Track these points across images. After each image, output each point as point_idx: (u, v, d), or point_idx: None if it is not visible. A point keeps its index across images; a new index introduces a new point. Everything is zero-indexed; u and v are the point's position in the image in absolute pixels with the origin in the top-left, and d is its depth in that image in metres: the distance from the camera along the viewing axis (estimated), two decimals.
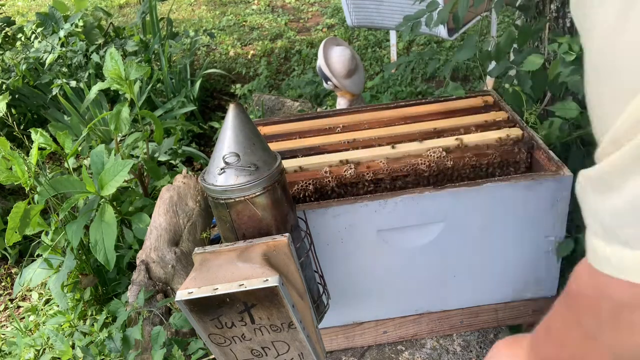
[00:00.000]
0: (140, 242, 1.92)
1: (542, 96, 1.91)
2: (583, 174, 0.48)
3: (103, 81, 2.17)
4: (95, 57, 3.13)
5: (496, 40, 1.77)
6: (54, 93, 2.98)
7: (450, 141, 1.46)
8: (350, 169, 1.41)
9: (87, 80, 3.04)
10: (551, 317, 0.61)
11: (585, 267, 0.51)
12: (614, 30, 0.40)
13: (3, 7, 4.63)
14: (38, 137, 1.96)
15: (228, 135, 1.01)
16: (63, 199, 1.96)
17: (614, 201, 0.44)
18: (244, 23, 4.89)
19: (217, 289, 0.89)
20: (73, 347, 1.69)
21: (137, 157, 2.43)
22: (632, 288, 0.47)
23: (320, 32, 4.49)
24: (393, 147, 1.45)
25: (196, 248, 1.00)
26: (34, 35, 3.58)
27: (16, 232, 1.83)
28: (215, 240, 2.09)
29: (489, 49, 1.74)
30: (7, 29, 3.75)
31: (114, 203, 2.01)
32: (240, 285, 0.88)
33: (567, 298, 0.57)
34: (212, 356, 1.53)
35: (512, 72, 1.71)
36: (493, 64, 1.79)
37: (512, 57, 1.83)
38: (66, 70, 3.20)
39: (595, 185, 0.47)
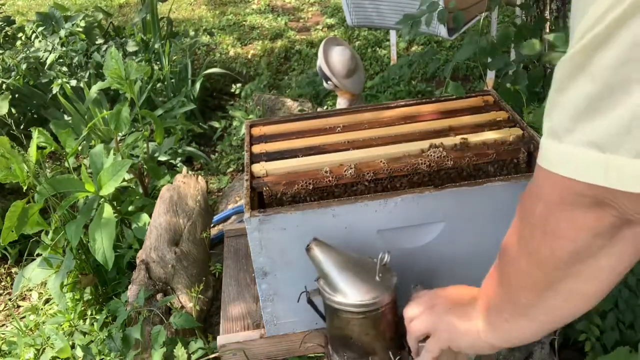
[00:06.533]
0: (140, 242, 1.92)
1: (539, 88, 1.91)
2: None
3: (103, 80, 2.17)
4: (96, 57, 3.13)
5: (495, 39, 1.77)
6: (54, 92, 2.98)
7: (450, 141, 1.46)
8: (350, 169, 1.41)
9: (88, 79, 3.04)
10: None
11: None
12: None
13: (3, 7, 4.63)
14: (37, 135, 1.95)
15: None
16: (63, 198, 1.96)
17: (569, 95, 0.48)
18: (243, 22, 4.89)
19: None
20: (73, 346, 1.70)
21: (137, 156, 2.43)
22: (561, 183, 0.49)
23: (320, 31, 4.49)
24: (393, 147, 1.45)
25: None
26: (34, 35, 3.58)
27: (12, 231, 1.83)
28: (216, 240, 2.09)
29: (486, 46, 1.74)
30: (7, 28, 3.76)
31: (114, 203, 2.02)
32: None
33: (518, 211, 0.64)
34: (212, 356, 1.53)
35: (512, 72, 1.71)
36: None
37: (512, 57, 1.83)
38: (66, 69, 3.20)
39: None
